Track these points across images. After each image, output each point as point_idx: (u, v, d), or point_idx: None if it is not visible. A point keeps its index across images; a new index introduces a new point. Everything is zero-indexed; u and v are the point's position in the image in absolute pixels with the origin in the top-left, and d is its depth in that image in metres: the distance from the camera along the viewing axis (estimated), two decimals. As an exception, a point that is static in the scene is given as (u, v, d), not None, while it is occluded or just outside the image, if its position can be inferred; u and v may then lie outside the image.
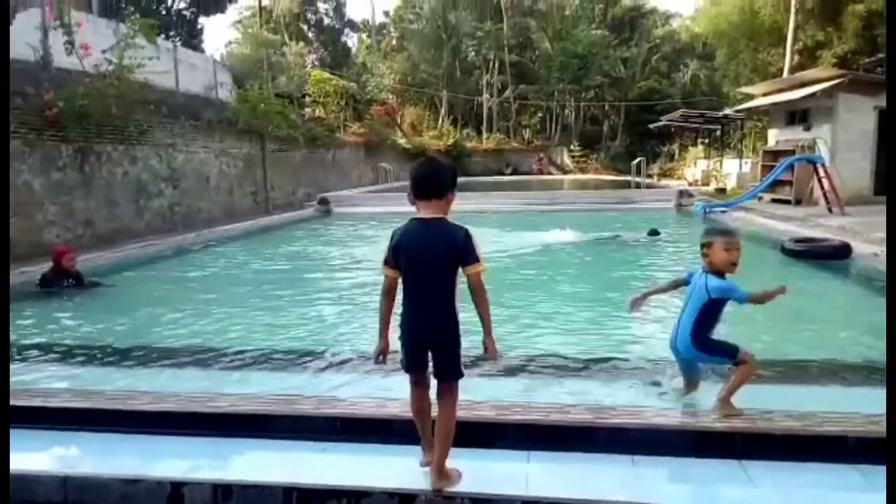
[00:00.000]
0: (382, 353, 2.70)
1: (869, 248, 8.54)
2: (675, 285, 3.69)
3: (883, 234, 9.52)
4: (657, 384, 3.92)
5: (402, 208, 3.21)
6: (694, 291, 3.46)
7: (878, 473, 2.72)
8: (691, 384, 3.66)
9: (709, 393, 3.52)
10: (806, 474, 2.79)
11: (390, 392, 3.57)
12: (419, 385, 2.73)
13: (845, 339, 5.27)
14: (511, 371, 4.39)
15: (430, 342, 2.64)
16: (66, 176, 10.11)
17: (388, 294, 2.68)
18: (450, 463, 2.70)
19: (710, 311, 3.39)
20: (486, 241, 10.96)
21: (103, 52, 11.10)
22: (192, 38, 34.13)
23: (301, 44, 39.98)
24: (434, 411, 2.74)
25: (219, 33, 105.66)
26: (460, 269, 2.61)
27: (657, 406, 3.54)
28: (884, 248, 8.46)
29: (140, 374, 4.69)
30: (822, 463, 2.86)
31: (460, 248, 2.56)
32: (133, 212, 11.77)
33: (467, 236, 2.58)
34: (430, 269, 2.59)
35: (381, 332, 2.70)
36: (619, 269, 8.87)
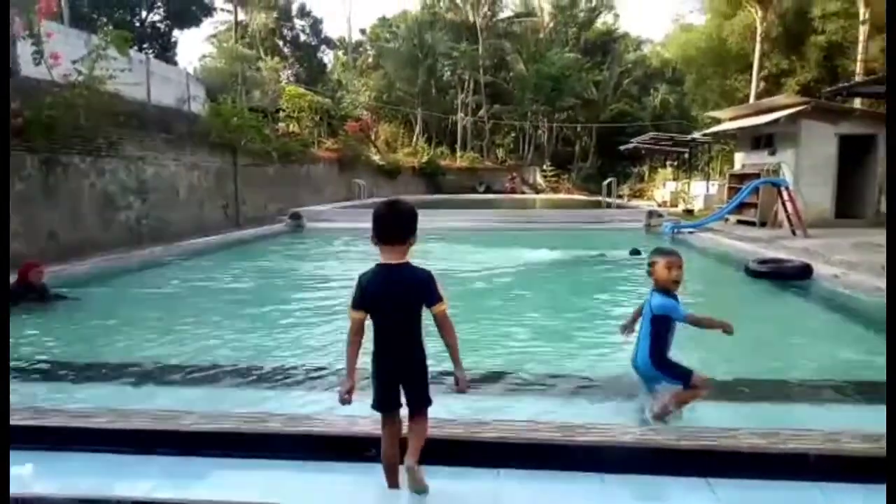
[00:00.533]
0: (349, 393, 2.75)
1: (830, 270, 8.77)
2: (640, 311, 3.87)
3: (843, 257, 9.81)
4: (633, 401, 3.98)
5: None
6: (644, 311, 3.72)
7: (837, 491, 2.79)
8: (654, 399, 3.76)
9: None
10: (769, 492, 2.84)
11: (362, 410, 3.54)
12: (390, 424, 2.81)
13: (806, 357, 5.39)
14: (484, 389, 4.39)
15: (402, 378, 2.78)
16: (29, 187, 9.88)
17: (356, 335, 2.77)
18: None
19: (659, 329, 3.60)
20: (465, 258, 10.99)
21: (73, 62, 10.94)
22: (166, 51, 33.93)
23: (276, 59, 39.90)
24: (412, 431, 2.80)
25: (193, 47, 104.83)
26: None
27: (627, 424, 3.57)
28: (844, 270, 8.71)
29: (102, 390, 4.58)
30: (786, 480, 2.90)
31: (425, 291, 2.70)
32: (99, 224, 11.53)
33: (430, 278, 2.72)
34: (399, 313, 2.72)
35: (348, 373, 2.77)
36: (604, 287, 8.98)
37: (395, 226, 2.74)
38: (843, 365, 5.02)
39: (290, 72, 46.42)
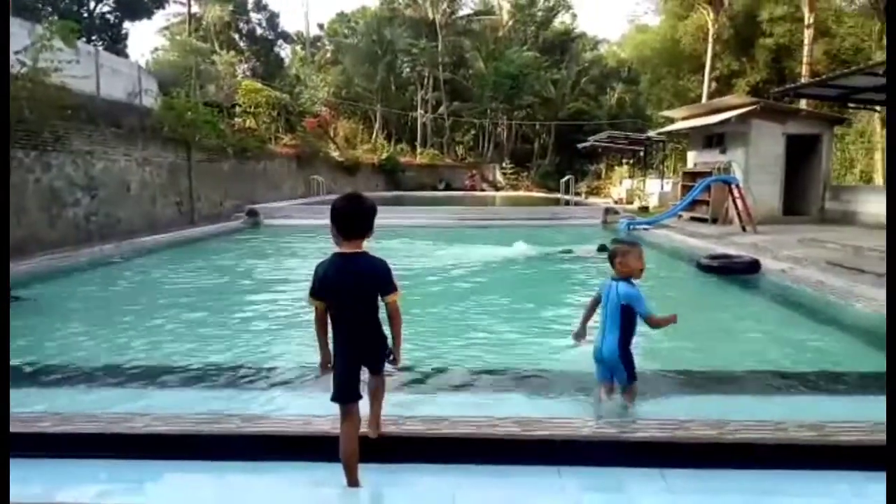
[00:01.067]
0: (326, 363, 2.89)
1: (778, 265, 9.08)
2: (596, 303, 3.87)
3: (790, 252, 10.16)
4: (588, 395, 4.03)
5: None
6: (608, 300, 3.69)
7: (784, 478, 2.89)
8: (610, 389, 3.83)
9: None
10: (719, 481, 2.92)
11: (319, 409, 3.51)
12: (350, 417, 2.82)
13: (754, 348, 5.57)
14: (444, 386, 4.40)
15: (365, 361, 2.91)
16: (-30, 182, 9.45)
17: (321, 322, 2.84)
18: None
19: (627, 317, 3.63)
20: (430, 255, 10.90)
21: (16, 53, 10.50)
22: (116, 43, 32.85)
23: (232, 53, 39.07)
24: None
25: (145, 39, 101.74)
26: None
27: (583, 417, 3.62)
28: (791, 265, 9.02)
29: (49, 393, 4.41)
30: (736, 469, 2.99)
31: (382, 280, 2.79)
32: (45, 221, 11.11)
33: (387, 268, 2.81)
34: (360, 302, 2.79)
35: (321, 350, 2.89)
36: (570, 283, 9.11)
37: (356, 220, 2.78)
38: (790, 356, 5.20)
39: (246, 66, 45.44)
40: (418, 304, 6.99)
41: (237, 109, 26.31)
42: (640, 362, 3.83)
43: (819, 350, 5.49)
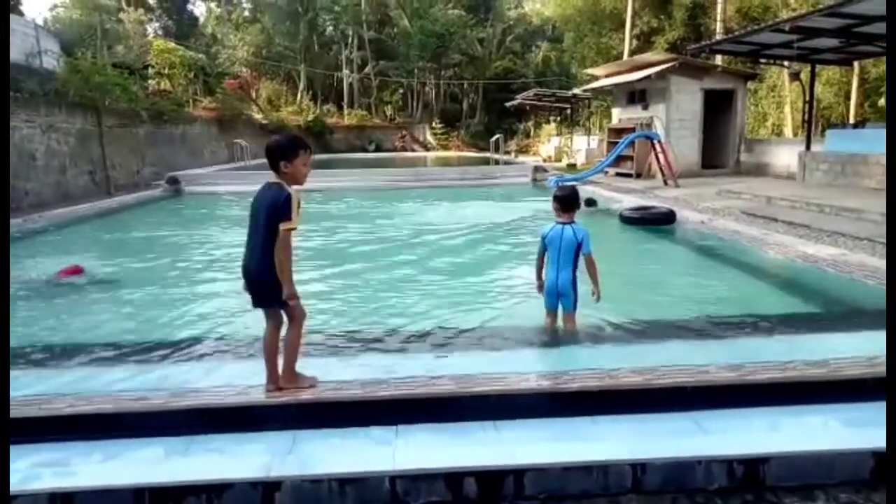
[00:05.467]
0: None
1: (698, 216, 9.49)
2: (543, 253, 4.33)
3: (708, 204, 10.63)
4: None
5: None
6: (563, 241, 4.14)
7: (708, 418, 3.06)
8: (555, 318, 4.37)
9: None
10: (647, 424, 3.05)
11: (252, 379, 3.45)
12: (269, 319, 3.34)
13: (678, 296, 5.82)
14: (379, 348, 4.39)
15: (255, 283, 3.24)
16: None
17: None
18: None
19: (577, 254, 4.15)
20: (398, 218, 10.66)
21: None
22: (7, -2, 30.16)
23: (140, 11, 36.67)
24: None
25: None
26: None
27: (517, 371, 3.69)
28: (710, 217, 9.44)
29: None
30: (661, 413, 3.14)
31: (279, 208, 3.11)
32: (-60, 196, 10.24)
33: (287, 198, 3.12)
34: (260, 223, 3.17)
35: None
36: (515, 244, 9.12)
37: (267, 156, 3.25)
38: (710, 303, 5.46)
39: (157, 24, 42.98)
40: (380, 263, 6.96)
41: (150, 71, 24.88)
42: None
43: (736, 295, 5.81)
